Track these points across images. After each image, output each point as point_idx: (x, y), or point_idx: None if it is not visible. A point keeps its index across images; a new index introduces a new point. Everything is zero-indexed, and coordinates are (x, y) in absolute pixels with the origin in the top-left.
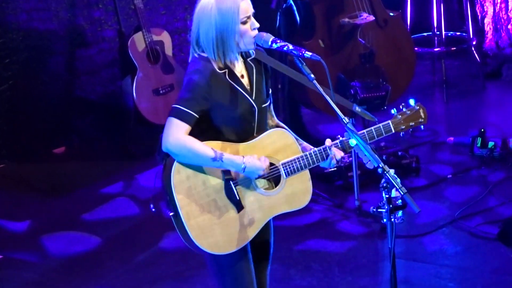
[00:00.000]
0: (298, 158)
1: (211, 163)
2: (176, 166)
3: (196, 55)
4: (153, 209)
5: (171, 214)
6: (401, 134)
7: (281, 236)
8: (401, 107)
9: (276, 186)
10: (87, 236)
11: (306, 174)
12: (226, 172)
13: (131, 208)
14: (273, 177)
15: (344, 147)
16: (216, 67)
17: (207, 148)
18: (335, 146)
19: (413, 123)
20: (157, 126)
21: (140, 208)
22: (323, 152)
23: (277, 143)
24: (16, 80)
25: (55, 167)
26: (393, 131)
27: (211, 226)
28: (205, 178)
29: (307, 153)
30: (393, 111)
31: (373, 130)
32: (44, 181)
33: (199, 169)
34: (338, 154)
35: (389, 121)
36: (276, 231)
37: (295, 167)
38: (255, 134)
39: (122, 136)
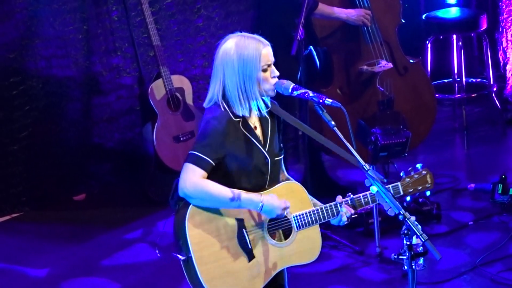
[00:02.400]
0: (310, 212)
1: (229, 204)
2: (191, 210)
3: (213, 102)
4: (159, 254)
5: (182, 258)
6: (407, 198)
7: (301, 283)
8: (409, 170)
9: (285, 239)
10: (107, 282)
11: (316, 228)
12: (239, 220)
13: (152, 254)
14: (284, 229)
15: (355, 204)
16: (232, 116)
17: (224, 189)
18: (345, 203)
19: (420, 187)
20: (178, 173)
21: (161, 254)
22: (333, 209)
23: (291, 195)
24: (36, 127)
25: (75, 213)
26: (402, 193)
27: (223, 273)
28: (219, 224)
29: (319, 207)
30: (402, 173)
31: None
32: (64, 227)
33: (213, 215)
34: (348, 211)
35: (399, 183)
36: (296, 278)
37: (307, 220)
38: (266, 187)
39: (142, 182)
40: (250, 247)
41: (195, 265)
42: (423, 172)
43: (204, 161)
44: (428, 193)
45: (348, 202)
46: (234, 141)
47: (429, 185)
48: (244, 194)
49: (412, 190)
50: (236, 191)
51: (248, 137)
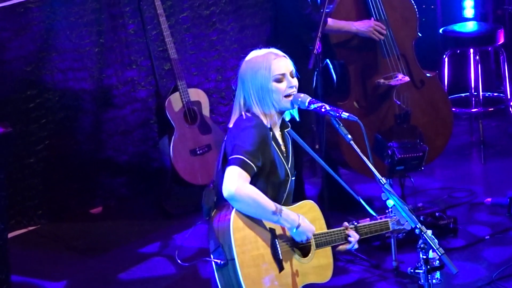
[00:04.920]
0: (328, 233)
1: (270, 216)
2: (235, 214)
3: (249, 113)
4: (180, 262)
5: (222, 262)
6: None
7: None
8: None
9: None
10: None
11: (329, 250)
12: (272, 230)
13: (168, 267)
14: (302, 247)
15: (358, 232)
16: (268, 125)
17: (269, 201)
18: (350, 228)
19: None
20: (194, 186)
21: (177, 268)
22: (342, 233)
23: (308, 214)
24: (52, 139)
25: (92, 226)
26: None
27: (260, 279)
28: (257, 231)
29: (331, 231)
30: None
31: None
32: (81, 240)
33: (252, 221)
34: (354, 236)
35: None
36: None
37: (325, 240)
38: (282, 203)
39: (158, 195)
40: (281, 257)
41: (238, 267)
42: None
43: (249, 167)
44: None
45: (352, 228)
46: (270, 151)
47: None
48: (285, 211)
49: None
50: (278, 205)
51: (277, 150)
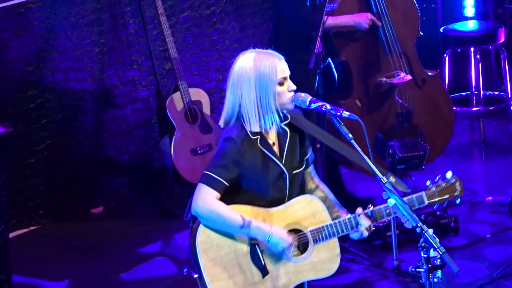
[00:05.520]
0: (326, 226)
1: (238, 230)
2: (201, 228)
3: (231, 123)
4: (185, 272)
5: (195, 276)
6: (434, 207)
7: None
8: (436, 179)
9: (303, 253)
10: None
11: (334, 242)
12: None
13: (169, 267)
14: (301, 243)
15: (375, 216)
16: (249, 134)
17: (236, 215)
18: (365, 214)
19: (447, 196)
20: (195, 186)
21: (178, 268)
22: (352, 221)
23: (306, 209)
24: (53, 139)
25: (93, 226)
26: (426, 203)
27: None
28: (231, 241)
29: (336, 221)
30: (428, 182)
31: (406, 201)
32: (82, 240)
33: (225, 232)
34: (366, 222)
35: (423, 193)
36: None
37: (323, 234)
38: (286, 201)
39: (159, 195)
40: (263, 263)
41: (206, 282)
42: (452, 180)
43: (217, 182)
44: (457, 201)
45: (368, 214)
46: (250, 160)
47: (458, 193)
48: (254, 223)
49: (438, 199)
50: (247, 218)
51: (265, 153)
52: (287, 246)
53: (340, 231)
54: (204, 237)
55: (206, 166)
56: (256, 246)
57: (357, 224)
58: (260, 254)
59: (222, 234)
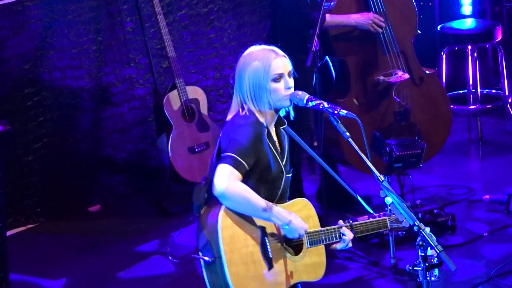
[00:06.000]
0: (320, 231)
1: (260, 213)
2: (223, 211)
3: (244, 112)
4: (170, 258)
5: (210, 259)
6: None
7: None
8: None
9: (296, 254)
10: None
11: (322, 248)
12: (262, 228)
13: (167, 265)
14: (294, 245)
15: (353, 230)
16: (263, 124)
17: (259, 198)
18: (345, 227)
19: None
20: (192, 184)
21: (176, 266)
22: (336, 231)
23: (302, 212)
24: (50, 137)
25: (90, 224)
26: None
27: (249, 277)
28: (246, 229)
29: (325, 228)
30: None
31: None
32: (79, 238)
33: (242, 219)
34: (350, 234)
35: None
36: None
37: (316, 239)
38: (275, 201)
39: (156, 193)
40: (270, 255)
41: (225, 266)
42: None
43: (241, 165)
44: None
45: (348, 226)
46: (264, 149)
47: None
48: (276, 208)
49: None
50: (269, 203)
51: (271, 147)
52: (303, 233)
53: (329, 238)
54: (225, 220)
55: (227, 147)
56: (266, 238)
57: (341, 234)
58: (268, 246)
59: (240, 220)
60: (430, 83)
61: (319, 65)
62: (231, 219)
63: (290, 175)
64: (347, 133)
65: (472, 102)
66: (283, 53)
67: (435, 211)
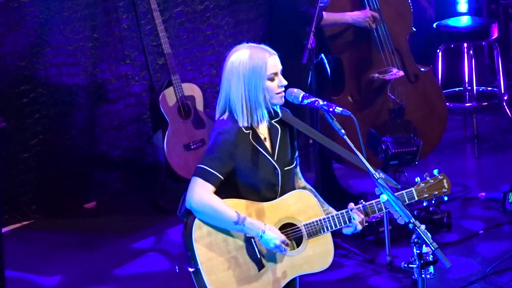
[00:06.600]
0: (320, 220)
1: (233, 226)
2: (197, 221)
3: (224, 116)
4: (177, 270)
5: (191, 270)
6: (424, 204)
7: None
8: (425, 176)
9: (297, 247)
10: None
11: (328, 236)
12: None
13: (162, 263)
14: (295, 238)
15: (367, 211)
16: (242, 128)
17: (230, 211)
18: (357, 210)
19: (436, 193)
20: (188, 181)
21: (171, 263)
22: (345, 216)
23: (300, 204)
24: (46, 134)
25: (86, 221)
26: (416, 198)
27: (232, 283)
28: (227, 235)
29: (330, 215)
30: (417, 179)
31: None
32: (75, 235)
33: (220, 226)
34: (359, 216)
35: (412, 189)
36: (306, 286)
37: (316, 228)
38: (278, 198)
39: (152, 190)
40: (259, 256)
41: (203, 275)
42: (439, 177)
43: (212, 176)
44: (445, 198)
45: (360, 209)
46: (243, 153)
47: (446, 190)
48: (249, 220)
49: (427, 195)
50: (242, 215)
51: (257, 148)
52: (279, 243)
53: (333, 225)
54: (200, 231)
55: (200, 160)
56: (252, 240)
57: (350, 218)
58: (256, 247)
59: (217, 227)
60: (425, 81)
61: (314, 62)
62: (207, 228)
63: (291, 167)
64: (343, 131)
65: (468, 99)
66: (273, 51)
67: (431, 208)
